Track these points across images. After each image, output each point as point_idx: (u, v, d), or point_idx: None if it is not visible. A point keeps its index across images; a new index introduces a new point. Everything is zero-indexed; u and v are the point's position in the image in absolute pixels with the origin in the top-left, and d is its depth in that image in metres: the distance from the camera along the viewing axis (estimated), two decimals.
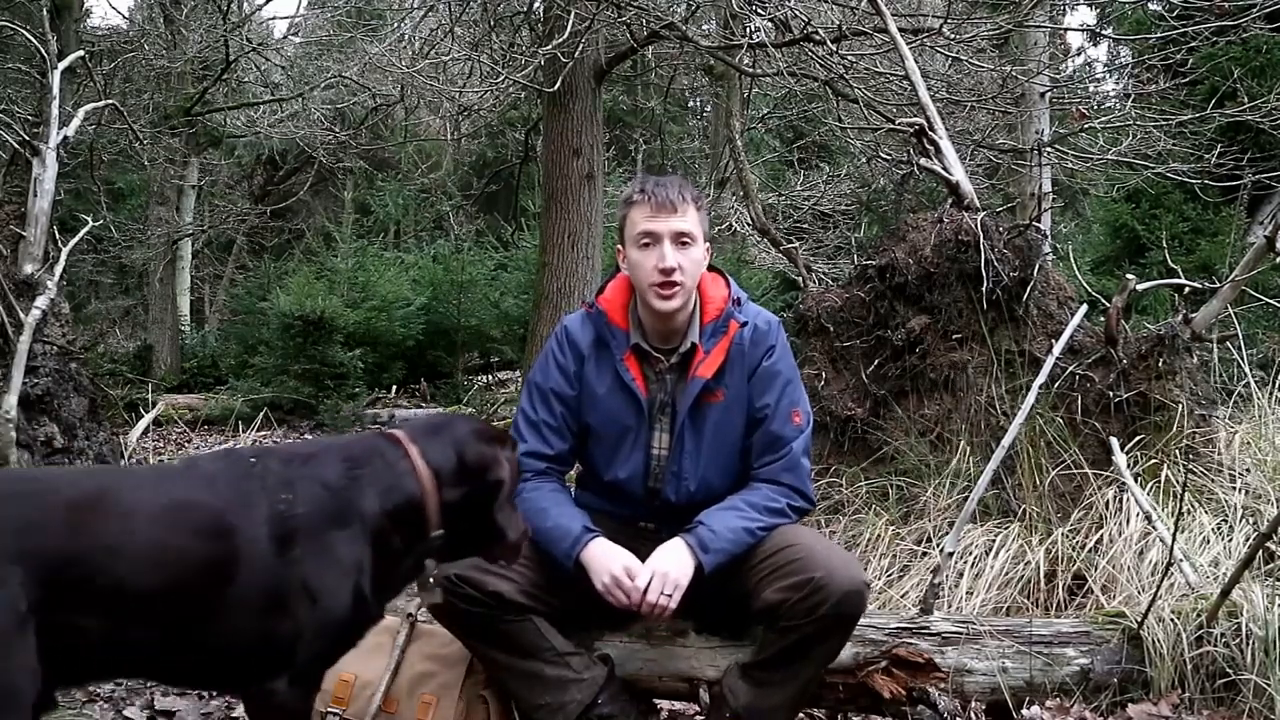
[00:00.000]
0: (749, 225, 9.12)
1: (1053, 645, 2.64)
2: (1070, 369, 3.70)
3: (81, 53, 6.35)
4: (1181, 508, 3.01)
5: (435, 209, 15.83)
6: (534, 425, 2.42)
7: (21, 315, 3.55)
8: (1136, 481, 3.37)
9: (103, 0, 30.72)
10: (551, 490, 2.40)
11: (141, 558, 1.67)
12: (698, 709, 2.50)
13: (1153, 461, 3.51)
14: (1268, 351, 5.37)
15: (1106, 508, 3.38)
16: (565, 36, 6.43)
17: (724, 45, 7.08)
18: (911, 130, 4.44)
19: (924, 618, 2.66)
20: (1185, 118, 7.37)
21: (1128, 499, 3.33)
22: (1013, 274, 3.85)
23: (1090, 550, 3.25)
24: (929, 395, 3.91)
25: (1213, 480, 3.50)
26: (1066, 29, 11.32)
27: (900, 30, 5.11)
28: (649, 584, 2.21)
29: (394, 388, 10.24)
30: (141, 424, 4.66)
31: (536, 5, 8.24)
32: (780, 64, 6.57)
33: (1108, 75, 12.83)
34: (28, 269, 3.76)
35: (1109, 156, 7.73)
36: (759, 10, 6.46)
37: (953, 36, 6.39)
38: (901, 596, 3.25)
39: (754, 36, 6.36)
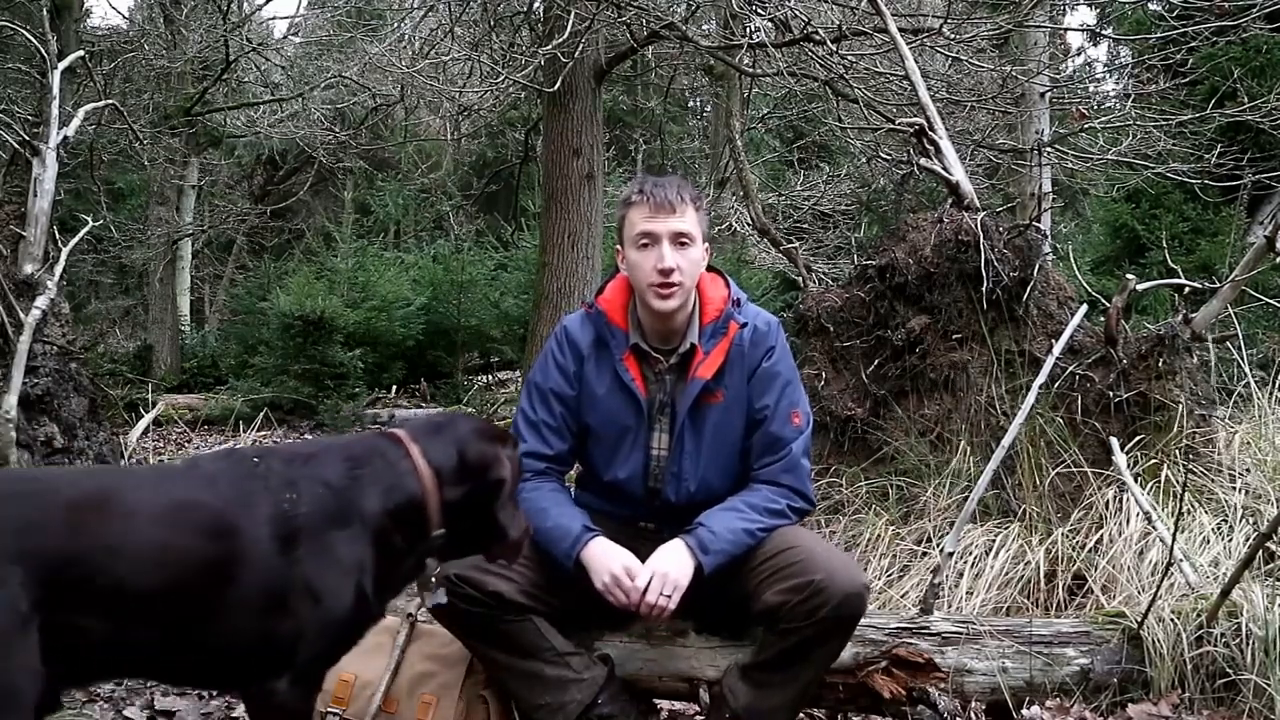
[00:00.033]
0: (749, 225, 9.12)
1: (1053, 645, 2.64)
2: (1070, 369, 3.70)
3: (81, 53, 6.35)
4: (1181, 508, 3.01)
5: (435, 209, 15.82)
6: (533, 425, 2.42)
7: (21, 315, 3.55)
8: (1136, 481, 3.37)
9: (103, 0, 30.74)
10: (551, 490, 2.40)
11: (143, 558, 1.67)
12: (698, 709, 2.50)
13: (1153, 461, 3.51)
14: (1268, 351, 5.37)
15: (1106, 508, 3.38)
16: (565, 36, 6.43)
17: (724, 45, 7.08)
18: (911, 130, 4.44)
19: (924, 618, 2.66)
20: (1185, 118, 7.38)
21: (1128, 499, 3.33)
22: (1013, 274, 3.85)
23: (1090, 550, 3.25)
24: (929, 395, 3.91)
25: (1213, 480, 3.50)
26: (1066, 29, 11.32)
27: (900, 30, 5.11)
28: (648, 584, 2.21)
29: (394, 388, 10.24)
30: (141, 424, 4.66)
31: (536, 5, 8.25)
32: (780, 64, 6.57)
33: (1108, 75, 12.84)
34: (28, 269, 3.76)
35: (1109, 156, 7.73)
36: (759, 10, 6.46)
37: (953, 36, 6.39)
38: (901, 596, 3.25)
39: (754, 36, 6.36)
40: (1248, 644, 2.57)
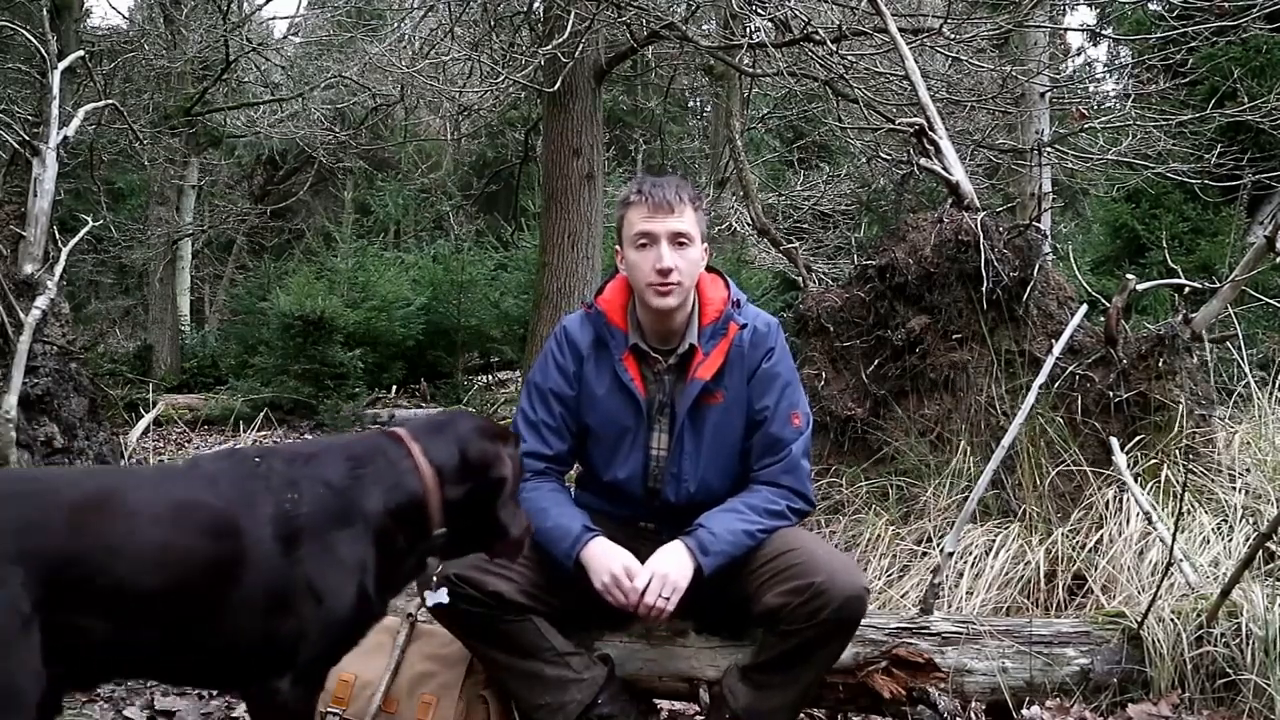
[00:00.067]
0: (749, 225, 9.12)
1: (1053, 645, 2.64)
2: (1070, 369, 3.70)
3: (81, 53, 6.35)
4: (1181, 508, 3.02)
5: (435, 209, 15.82)
6: (533, 425, 2.42)
7: (21, 315, 3.55)
8: (1136, 481, 3.37)
9: (103, 0, 30.73)
10: (551, 490, 2.40)
11: (145, 558, 1.67)
12: (698, 709, 2.50)
13: (1153, 461, 3.52)
14: (1268, 351, 5.37)
15: (1106, 508, 3.38)
16: (565, 36, 6.43)
17: (724, 45, 7.08)
18: (911, 130, 4.44)
19: (924, 618, 2.66)
20: (1185, 118, 7.37)
21: (1128, 499, 3.33)
22: (1013, 274, 3.85)
23: (1090, 550, 3.25)
24: (929, 395, 3.91)
25: (1213, 480, 3.50)
26: (1066, 29, 11.33)
27: (900, 30, 5.11)
28: (647, 585, 2.21)
29: (394, 388, 10.24)
30: (141, 424, 4.65)
31: (536, 5, 8.25)
32: (780, 64, 6.57)
33: (1108, 75, 12.85)
34: (28, 269, 3.76)
35: (1109, 156, 7.73)
36: (759, 10, 6.46)
37: (953, 36, 6.39)
38: (901, 596, 3.25)
39: (754, 36, 6.36)
40: (1248, 644, 2.57)
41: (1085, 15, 12.31)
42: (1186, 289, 4.21)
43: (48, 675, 1.58)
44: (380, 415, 8.70)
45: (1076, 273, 5.06)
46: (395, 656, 2.41)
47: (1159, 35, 7.53)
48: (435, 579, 2.25)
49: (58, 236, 3.97)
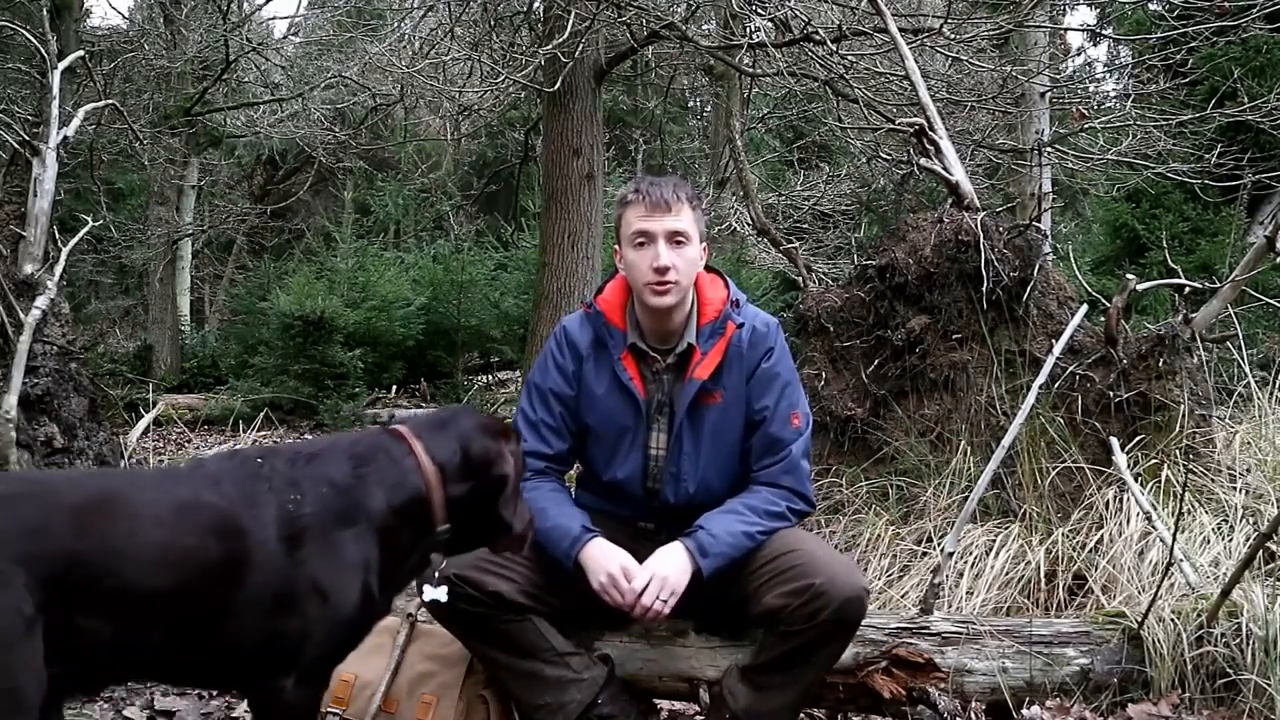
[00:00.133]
0: (749, 225, 9.12)
1: (1053, 645, 2.64)
2: (1070, 369, 3.70)
3: (81, 53, 6.34)
4: (1181, 508, 3.02)
5: (435, 209, 15.81)
6: (533, 425, 2.42)
7: (21, 315, 3.55)
8: (1136, 481, 3.37)
9: (103, 0, 30.73)
10: (551, 490, 2.40)
11: (147, 559, 1.67)
12: (698, 709, 2.50)
13: (1153, 461, 3.52)
14: (1268, 351, 5.37)
15: (1106, 508, 3.38)
16: (565, 36, 6.43)
17: (724, 45, 7.08)
18: (911, 130, 4.44)
19: (924, 618, 2.66)
20: (1185, 118, 7.38)
21: (1128, 499, 3.33)
22: (1013, 274, 3.85)
23: (1090, 550, 3.25)
24: (929, 395, 3.91)
25: (1213, 480, 3.50)
26: (1066, 29, 11.34)
27: (900, 30, 5.11)
28: (646, 587, 2.21)
29: (394, 388, 10.23)
30: (141, 424, 4.65)
31: (536, 5, 8.25)
32: (780, 64, 6.57)
33: (1108, 75, 12.86)
34: (28, 269, 3.75)
35: (1109, 156, 7.73)
36: (759, 10, 6.46)
37: (953, 36, 6.39)
38: (901, 596, 3.25)
39: (754, 36, 6.37)
40: (1248, 644, 2.57)
41: (1085, 15, 12.33)
42: (1186, 289, 4.20)
43: (51, 677, 1.58)
44: (380, 415, 8.70)
45: (1076, 273, 5.06)
46: (395, 656, 2.41)
47: (1159, 35, 7.53)
48: (437, 575, 2.25)
49: (58, 236, 3.97)
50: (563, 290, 7.72)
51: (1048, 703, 2.57)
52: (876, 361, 4.00)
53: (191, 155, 12.66)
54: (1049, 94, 8.74)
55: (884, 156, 8.41)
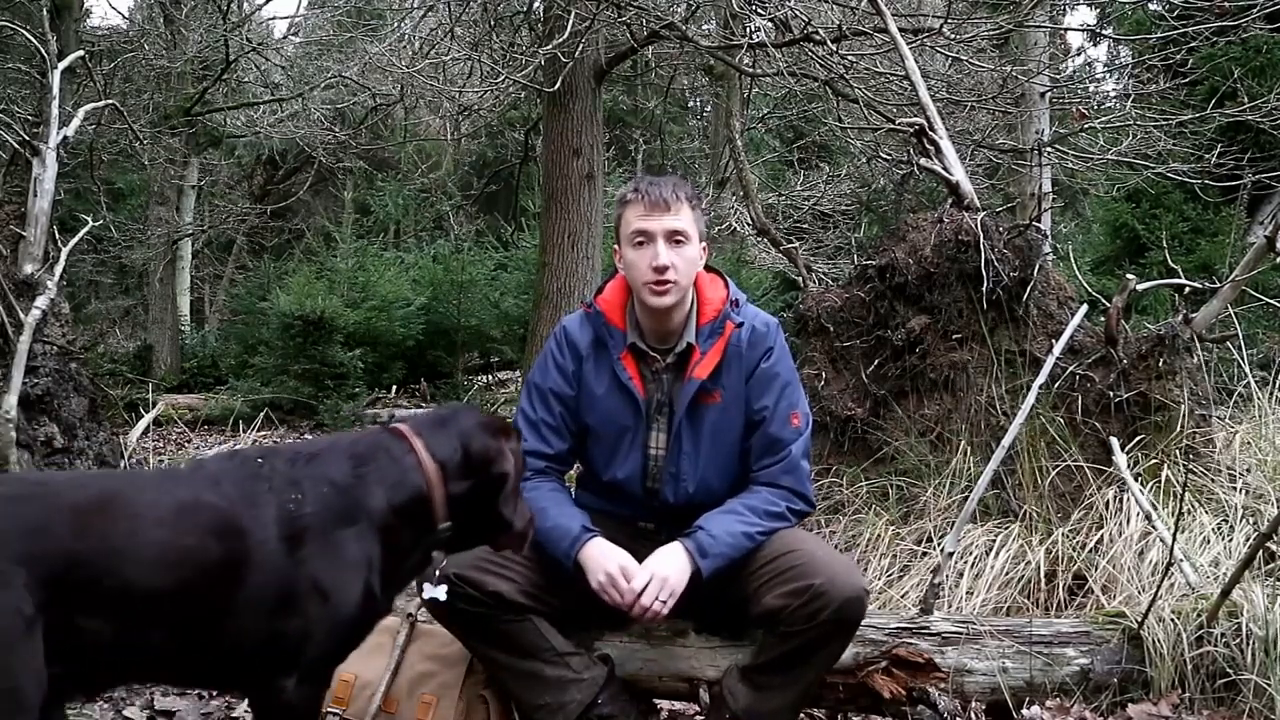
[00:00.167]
0: (749, 225, 9.12)
1: (1053, 645, 2.64)
2: (1070, 369, 3.70)
3: (81, 53, 6.34)
4: (1181, 508, 3.02)
5: (435, 209, 15.82)
6: (533, 425, 2.42)
7: (21, 315, 3.55)
8: (1136, 481, 3.37)
9: (103, 0, 30.73)
10: (551, 490, 2.40)
11: (149, 560, 1.67)
12: (698, 709, 2.50)
13: (1153, 461, 3.52)
14: (1268, 351, 5.37)
15: (1106, 508, 3.38)
16: (565, 36, 6.43)
17: (724, 45, 7.08)
18: (911, 130, 4.44)
19: (924, 618, 2.66)
20: (1185, 118, 7.38)
21: (1128, 499, 3.33)
22: (1013, 274, 3.85)
23: (1090, 550, 3.25)
24: (929, 395, 3.91)
25: (1213, 480, 3.50)
26: (1066, 29, 11.33)
27: (900, 30, 5.11)
28: (645, 586, 2.21)
29: (394, 388, 10.24)
30: (141, 424, 4.65)
31: (536, 5, 8.26)
32: (780, 64, 6.57)
33: (1108, 75, 12.86)
34: (28, 269, 3.75)
35: (1109, 156, 7.73)
36: (759, 10, 6.46)
37: (953, 36, 6.39)
38: (901, 596, 3.25)
39: (754, 36, 6.36)
40: (1248, 644, 2.57)
41: (1085, 15, 12.33)
42: (1186, 289, 4.21)
43: (51, 677, 1.58)
44: (380, 415, 8.70)
45: (1076, 273, 5.06)
46: (395, 656, 2.41)
47: (1159, 35, 7.53)
48: (438, 573, 2.25)
49: (58, 236, 3.97)
50: (563, 290, 7.72)
51: (1048, 703, 2.57)
52: (876, 361, 4.00)
53: (191, 155, 12.66)
54: (1049, 94, 8.74)
55: (884, 156, 8.42)
